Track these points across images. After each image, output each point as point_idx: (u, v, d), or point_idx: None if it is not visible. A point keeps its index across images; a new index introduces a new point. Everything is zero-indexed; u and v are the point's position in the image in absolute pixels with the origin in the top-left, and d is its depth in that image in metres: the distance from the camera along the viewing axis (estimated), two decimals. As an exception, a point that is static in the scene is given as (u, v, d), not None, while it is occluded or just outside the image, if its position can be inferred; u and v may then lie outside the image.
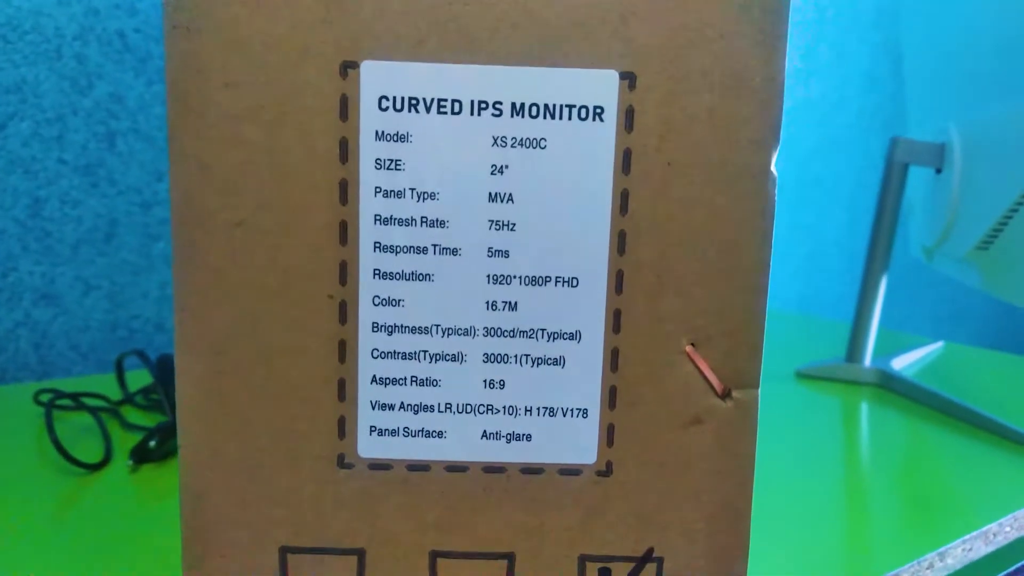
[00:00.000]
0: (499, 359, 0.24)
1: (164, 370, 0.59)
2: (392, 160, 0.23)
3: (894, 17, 1.26)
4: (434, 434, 0.24)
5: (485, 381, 0.24)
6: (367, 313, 0.24)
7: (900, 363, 0.77)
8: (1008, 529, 0.47)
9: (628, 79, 0.23)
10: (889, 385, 0.72)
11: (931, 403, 0.66)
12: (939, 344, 0.90)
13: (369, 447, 0.24)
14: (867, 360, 0.75)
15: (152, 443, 0.50)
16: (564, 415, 0.24)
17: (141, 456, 0.50)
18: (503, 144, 0.23)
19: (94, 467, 0.48)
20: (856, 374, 0.74)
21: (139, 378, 0.67)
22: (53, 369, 0.72)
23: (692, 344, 0.24)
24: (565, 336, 0.24)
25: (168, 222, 0.75)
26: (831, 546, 0.41)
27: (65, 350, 0.72)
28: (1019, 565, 0.54)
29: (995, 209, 0.59)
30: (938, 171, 0.70)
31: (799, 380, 0.74)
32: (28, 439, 0.53)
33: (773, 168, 0.23)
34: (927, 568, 0.41)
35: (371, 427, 0.24)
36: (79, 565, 0.35)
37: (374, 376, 0.24)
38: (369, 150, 0.23)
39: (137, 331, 0.75)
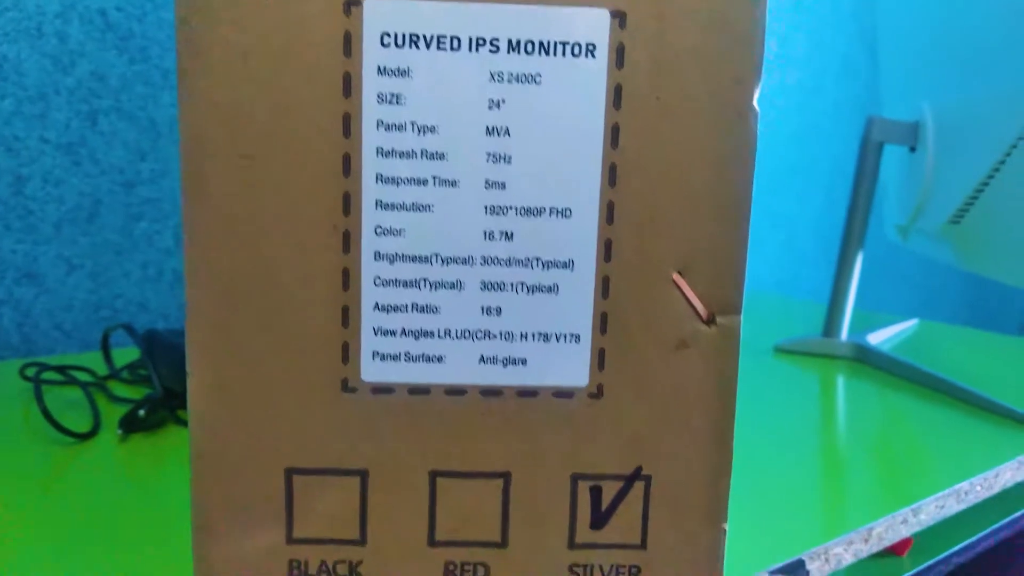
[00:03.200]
0: (496, 287, 0.25)
1: (151, 344, 0.59)
2: (393, 95, 0.24)
3: (871, 6, 1.29)
4: (434, 359, 0.26)
5: (483, 308, 0.25)
6: (369, 243, 0.25)
7: (875, 339, 0.80)
8: (979, 488, 0.48)
9: (619, 17, 0.24)
10: (865, 358, 0.74)
11: (906, 375, 0.68)
12: (913, 321, 0.92)
13: (372, 371, 0.25)
14: (843, 335, 0.76)
15: (141, 412, 0.51)
16: (558, 340, 0.26)
17: (130, 426, 0.50)
18: (500, 80, 0.24)
19: (83, 436, 0.48)
20: (833, 348, 0.76)
21: (124, 356, 0.67)
22: (36, 348, 0.72)
23: (679, 272, 0.25)
24: (559, 265, 0.25)
25: (151, 202, 0.76)
26: (810, 505, 0.42)
27: (48, 329, 0.72)
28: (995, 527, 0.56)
29: (967, 183, 0.61)
30: (912, 149, 0.72)
31: (777, 355, 0.76)
32: (15, 412, 0.53)
33: (755, 104, 0.25)
34: (901, 523, 0.43)
35: (373, 352, 0.25)
36: (69, 533, 0.36)
37: (376, 303, 0.25)
38: (371, 85, 0.24)
39: (120, 311, 0.76)
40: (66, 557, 0.33)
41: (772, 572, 0.36)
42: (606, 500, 0.27)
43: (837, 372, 0.71)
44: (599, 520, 0.27)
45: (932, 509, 0.45)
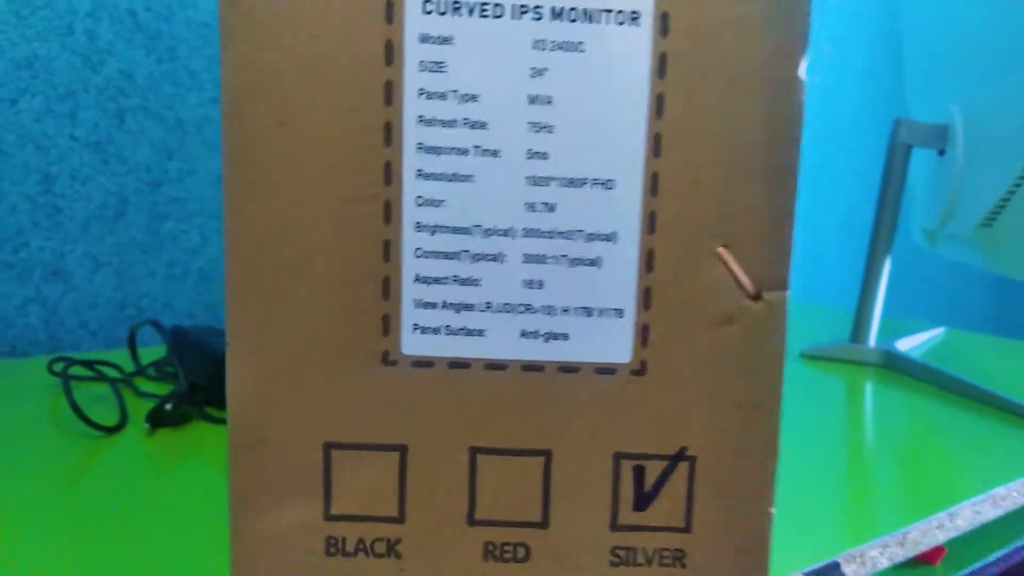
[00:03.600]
0: (538, 260, 0.25)
1: (177, 340, 0.59)
2: (435, 63, 0.24)
3: (894, 9, 1.28)
4: (475, 332, 0.25)
5: (524, 281, 0.25)
6: (410, 213, 0.24)
7: (903, 346, 0.78)
8: (1015, 494, 0.47)
9: (663, -16, 0.24)
10: (894, 365, 0.72)
11: (937, 382, 0.67)
12: (940, 330, 0.90)
13: (412, 344, 0.25)
14: (871, 341, 0.75)
15: (168, 406, 0.51)
16: (600, 315, 0.25)
17: (157, 420, 0.50)
18: (543, 48, 0.24)
19: (110, 430, 0.48)
20: (861, 354, 0.74)
21: (149, 355, 0.67)
22: (62, 345, 0.72)
23: (724, 245, 0.25)
24: (601, 237, 0.25)
25: (177, 201, 0.76)
26: (841, 509, 0.41)
27: (74, 326, 0.73)
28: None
29: (999, 185, 0.60)
30: (941, 152, 0.71)
31: (804, 361, 0.75)
32: (43, 407, 0.53)
33: (801, 74, 0.24)
34: (936, 527, 0.42)
35: (414, 325, 0.25)
36: (95, 525, 0.35)
37: (417, 275, 0.25)
38: (413, 52, 0.24)
39: (145, 309, 0.76)
40: (91, 548, 0.33)
41: (807, 574, 0.35)
42: (649, 481, 0.26)
43: (865, 378, 0.69)
44: (642, 501, 0.26)
45: (968, 514, 0.44)
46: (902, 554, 0.40)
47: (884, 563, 0.39)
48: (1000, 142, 0.61)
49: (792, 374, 0.70)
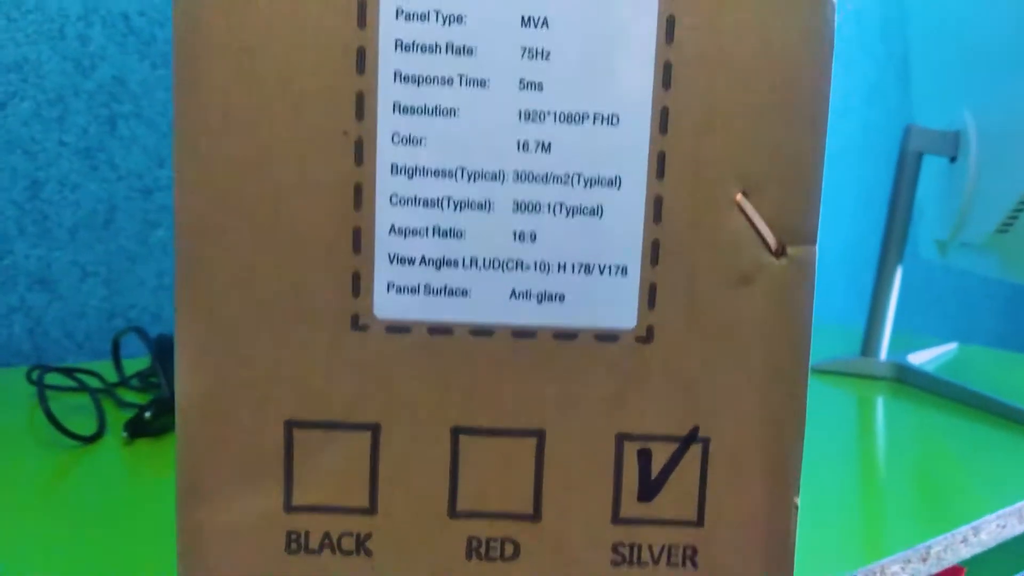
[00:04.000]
0: (530, 208, 0.22)
1: (162, 348, 0.57)
2: (415, -20, 0.21)
3: (899, 29, 1.26)
4: (458, 292, 0.22)
5: (515, 233, 0.22)
6: (385, 153, 0.21)
7: (915, 360, 0.76)
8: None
9: None
10: (906, 379, 0.70)
11: (951, 394, 0.65)
12: (952, 345, 0.88)
13: (386, 306, 0.22)
14: (882, 354, 0.73)
15: (147, 415, 0.48)
16: (601, 272, 0.22)
17: (136, 429, 0.48)
18: (537, -38, 0.21)
19: (87, 439, 0.46)
20: (872, 368, 0.72)
21: (135, 366, 0.64)
22: (47, 356, 0.69)
23: (743, 192, 0.22)
24: (604, 182, 0.22)
25: (169, 209, 0.73)
26: (858, 524, 0.39)
27: (60, 337, 0.70)
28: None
29: (1014, 190, 0.59)
30: (952, 160, 0.69)
31: (814, 375, 0.72)
32: (20, 417, 0.51)
33: (831, -6, 0.21)
34: (960, 542, 0.40)
35: (388, 283, 0.22)
36: (71, 537, 0.33)
37: (392, 225, 0.22)
38: (391, -32, 0.21)
39: (133, 320, 0.73)
40: (66, 560, 0.31)
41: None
42: (656, 466, 0.23)
43: (877, 392, 0.67)
44: (648, 490, 0.23)
45: (993, 528, 0.42)
46: (924, 570, 0.38)
47: (905, 580, 0.36)
48: (1016, 145, 0.59)
49: (803, 388, 0.67)
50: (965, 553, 0.40)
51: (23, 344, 0.68)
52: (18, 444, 0.45)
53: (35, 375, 0.58)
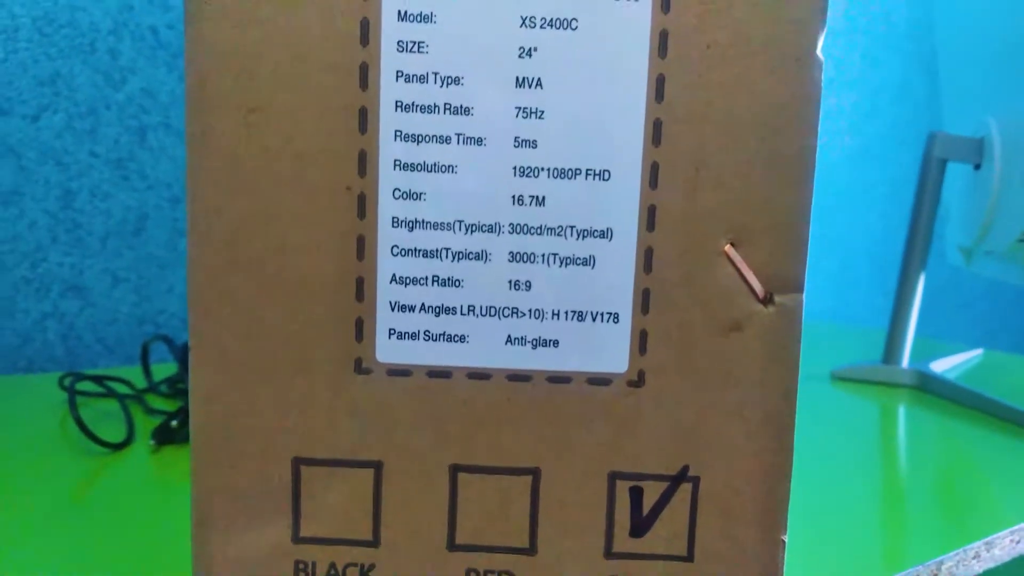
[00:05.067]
0: (525, 258, 0.23)
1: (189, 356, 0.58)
2: (415, 42, 0.22)
3: (927, 27, 1.25)
4: (456, 338, 0.23)
5: (510, 282, 0.23)
6: (387, 207, 0.22)
7: (938, 368, 0.75)
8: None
9: (663, -44, 0.22)
10: (928, 387, 0.69)
11: (974, 404, 0.64)
12: (978, 351, 0.87)
13: (388, 351, 0.23)
14: (905, 361, 0.72)
15: (174, 423, 0.49)
16: (593, 319, 0.23)
17: (163, 437, 0.49)
18: (532, 25, 0.22)
19: (116, 447, 0.47)
20: (894, 376, 0.72)
21: (164, 371, 0.66)
22: (80, 361, 0.71)
23: (732, 243, 0.22)
24: (595, 234, 0.23)
25: (197, 218, 0.75)
26: (872, 538, 0.39)
27: (92, 342, 0.72)
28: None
29: None
30: (977, 167, 0.68)
31: (834, 382, 0.72)
32: (52, 423, 0.52)
33: (819, 53, 0.22)
34: (973, 558, 0.39)
35: (390, 330, 0.23)
36: (98, 543, 0.34)
37: (394, 275, 0.23)
38: (391, 31, 0.22)
39: (163, 326, 0.75)
40: (93, 565, 0.32)
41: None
42: (648, 503, 0.24)
43: (899, 400, 0.67)
44: (640, 526, 0.24)
45: (1007, 544, 0.41)
46: (935, 586, 0.37)
47: (917, 596, 0.36)
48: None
49: (823, 395, 0.67)
50: (978, 568, 0.39)
51: (56, 349, 0.70)
52: (50, 450, 0.47)
53: (67, 382, 0.60)
